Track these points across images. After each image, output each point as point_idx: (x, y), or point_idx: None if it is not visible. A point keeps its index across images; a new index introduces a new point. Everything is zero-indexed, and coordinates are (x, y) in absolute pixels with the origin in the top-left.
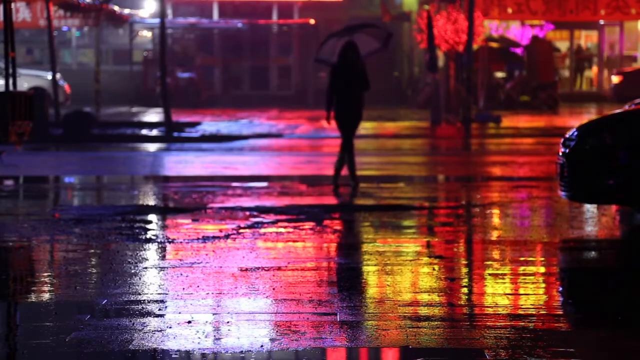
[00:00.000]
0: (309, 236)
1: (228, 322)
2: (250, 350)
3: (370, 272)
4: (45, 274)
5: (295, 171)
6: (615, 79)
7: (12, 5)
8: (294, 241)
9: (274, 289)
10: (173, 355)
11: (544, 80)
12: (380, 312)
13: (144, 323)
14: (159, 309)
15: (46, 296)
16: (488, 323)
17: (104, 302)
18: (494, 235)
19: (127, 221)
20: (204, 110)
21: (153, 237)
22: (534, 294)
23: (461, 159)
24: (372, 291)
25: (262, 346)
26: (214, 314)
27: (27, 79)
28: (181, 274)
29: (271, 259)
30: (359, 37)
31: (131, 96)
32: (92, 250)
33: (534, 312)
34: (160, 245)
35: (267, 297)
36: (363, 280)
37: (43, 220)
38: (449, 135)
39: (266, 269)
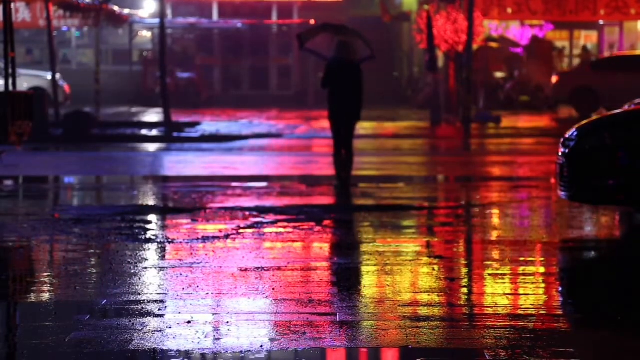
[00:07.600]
0: (308, 236)
1: (228, 322)
2: (250, 350)
3: (370, 272)
4: (45, 274)
5: (295, 171)
6: (554, 79)
7: (12, 5)
8: (294, 241)
9: (273, 289)
10: (173, 355)
11: (543, 80)
12: (380, 312)
13: (144, 323)
14: (159, 309)
15: (46, 296)
16: (488, 323)
17: (103, 302)
18: (494, 235)
19: (127, 221)
20: (203, 110)
21: (153, 237)
22: (534, 294)
23: (461, 159)
24: (372, 291)
25: (262, 346)
26: (213, 314)
27: (27, 79)
28: (181, 274)
29: (271, 259)
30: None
31: (131, 96)
32: (92, 250)
33: (534, 312)
34: (160, 246)
35: (267, 297)
36: (363, 280)
37: (43, 220)
38: (448, 135)
39: (266, 269)
